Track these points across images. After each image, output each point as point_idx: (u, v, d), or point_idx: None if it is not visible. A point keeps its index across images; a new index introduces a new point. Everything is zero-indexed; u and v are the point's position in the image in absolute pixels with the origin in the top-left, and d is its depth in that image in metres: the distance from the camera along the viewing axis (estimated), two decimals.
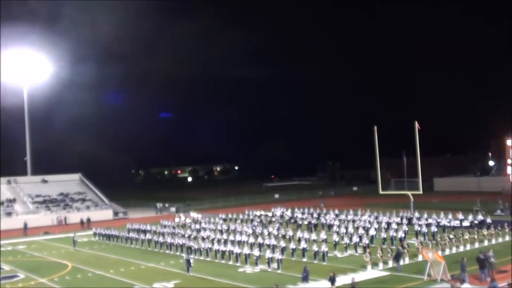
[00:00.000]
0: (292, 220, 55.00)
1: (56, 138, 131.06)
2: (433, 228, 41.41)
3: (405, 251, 33.32)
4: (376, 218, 48.78)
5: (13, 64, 77.09)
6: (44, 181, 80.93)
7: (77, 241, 48.33)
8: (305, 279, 28.72)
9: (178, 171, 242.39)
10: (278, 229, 45.47)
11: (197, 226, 51.88)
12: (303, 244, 36.96)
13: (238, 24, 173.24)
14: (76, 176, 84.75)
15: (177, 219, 58.24)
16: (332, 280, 26.73)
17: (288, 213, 58.39)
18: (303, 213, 56.76)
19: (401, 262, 31.55)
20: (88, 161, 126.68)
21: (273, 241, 38.43)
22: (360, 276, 30.23)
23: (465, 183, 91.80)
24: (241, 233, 43.58)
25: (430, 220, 45.24)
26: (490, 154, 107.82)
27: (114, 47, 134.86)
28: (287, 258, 36.09)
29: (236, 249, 36.76)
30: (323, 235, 39.59)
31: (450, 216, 45.96)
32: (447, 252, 35.13)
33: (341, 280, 29.48)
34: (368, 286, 28.25)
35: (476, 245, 37.25)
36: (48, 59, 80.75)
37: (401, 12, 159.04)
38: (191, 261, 34.14)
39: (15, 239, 55.77)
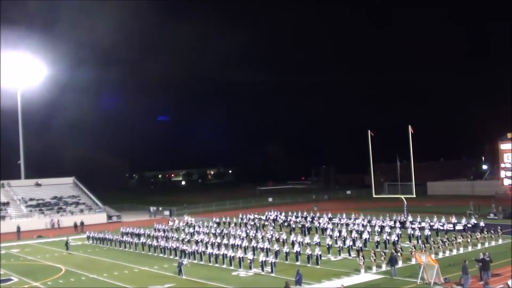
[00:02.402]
0: (286, 224, 55.03)
1: (50, 141, 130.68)
2: (427, 232, 41.53)
3: (399, 254, 33.41)
4: (369, 221, 48.87)
5: (7, 67, 76.81)
6: (38, 185, 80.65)
7: (70, 245, 48.21)
8: (298, 282, 28.73)
9: (172, 175, 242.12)
10: (271, 233, 45.46)
11: (191, 230, 51.84)
12: (296, 248, 36.99)
13: (234, 28, 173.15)
14: (70, 180, 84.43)
15: (170, 223, 58.17)
16: None
17: (282, 216, 58.40)
18: (297, 217, 56.79)
19: (396, 266, 31.55)
20: (82, 165, 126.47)
21: (266, 245, 38.47)
22: (353, 280, 30.34)
23: (459, 187, 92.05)
24: (234, 236, 43.60)
25: (423, 224, 45.35)
26: (483, 158, 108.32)
27: (109, 51, 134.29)
28: (281, 261, 36.09)
29: (230, 253, 36.76)
30: (316, 239, 39.69)
31: (443, 220, 46.06)
32: (441, 255, 35.29)
33: (334, 283, 29.59)
34: None
35: (469, 248, 37.45)
36: (42, 62, 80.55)
37: (395, 16, 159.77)
38: (183, 265, 34.13)
39: (9, 243, 55.52)
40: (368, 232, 43.02)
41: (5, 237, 58.84)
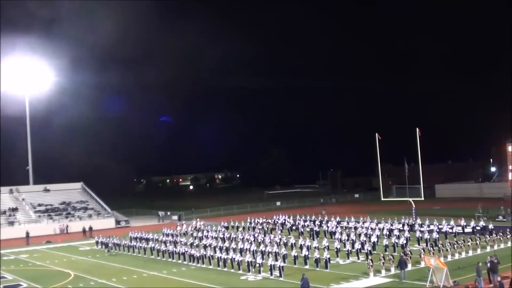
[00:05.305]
0: (294, 228, 54.98)
1: (58, 147, 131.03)
2: (435, 235, 41.39)
3: (408, 258, 33.33)
4: (378, 225, 48.74)
5: (15, 73, 77.21)
6: (46, 190, 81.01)
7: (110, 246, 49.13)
8: (303, 287, 28.48)
9: (180, 180, 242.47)
10: (280, 237, 45.43)
11: (199, 234, 51.92)
12: (305, 252, 36.96)
13: (239, 32, 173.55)
14: (78, 185, 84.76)
15: (179, 227, 58.22)
16: None
17: (290, 220, 58.33)
18: (305, 221, 56.72)
19: (405, 270, 31.43)
20: (90, 170, 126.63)
21: (275, 249, 38.46)
22: (362, 283, 30.31)
23: (467, 189, 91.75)
24: (243, 240, 43.63)
25: (432, 227, 45.19)
26: (491, 160, 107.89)
27: (116, 55, 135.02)
28: (289, 265, 36.10)
29: (238, 257, 36.80)
30: (325, 242, 39.59)
31: (452, 222, 45.96)
32: (449, 258, 35.18)
33: (343, 287, 29.56)
34: None
35: (478, 251, 37.34)
36: (49, 68, 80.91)
37: (401, 18, 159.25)
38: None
39: (18, 248, 55.80)
40: (376, 235, 42.95)
41: (14, 243, 59.16)
